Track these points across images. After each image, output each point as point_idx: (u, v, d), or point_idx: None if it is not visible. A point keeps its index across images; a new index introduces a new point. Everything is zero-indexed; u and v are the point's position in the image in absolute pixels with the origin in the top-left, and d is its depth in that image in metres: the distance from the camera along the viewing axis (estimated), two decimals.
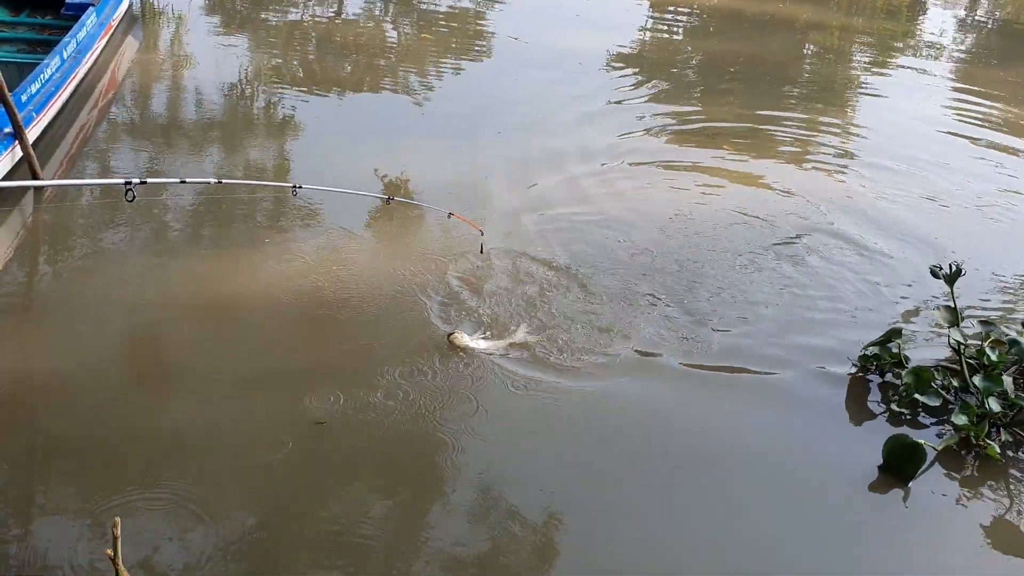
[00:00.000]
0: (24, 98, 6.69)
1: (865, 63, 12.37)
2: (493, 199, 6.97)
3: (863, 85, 11.04)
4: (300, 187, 5.57)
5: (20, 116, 6.40)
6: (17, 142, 6.42)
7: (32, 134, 6.64)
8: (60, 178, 6.79)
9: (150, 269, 5.74)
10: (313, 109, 8.34)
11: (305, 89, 8.75)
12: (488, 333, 5.22)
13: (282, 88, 8.70)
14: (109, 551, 2.47)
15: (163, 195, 6.45)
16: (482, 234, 5.95)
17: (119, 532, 2.43)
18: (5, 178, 6.38)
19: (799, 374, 5.34)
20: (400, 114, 8.54)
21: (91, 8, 8.25)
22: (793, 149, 8.65)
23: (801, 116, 9.55)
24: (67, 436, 4.40)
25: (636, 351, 5.32)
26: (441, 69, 9.76)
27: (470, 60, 10.20)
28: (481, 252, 5.96)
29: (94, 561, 3.68)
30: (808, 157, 8.50)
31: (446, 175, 7.26)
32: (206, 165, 7.10)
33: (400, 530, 4.06)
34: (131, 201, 4.46)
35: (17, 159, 6.48)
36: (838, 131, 9.25)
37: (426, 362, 5.02)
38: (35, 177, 6.54)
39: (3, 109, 6.32)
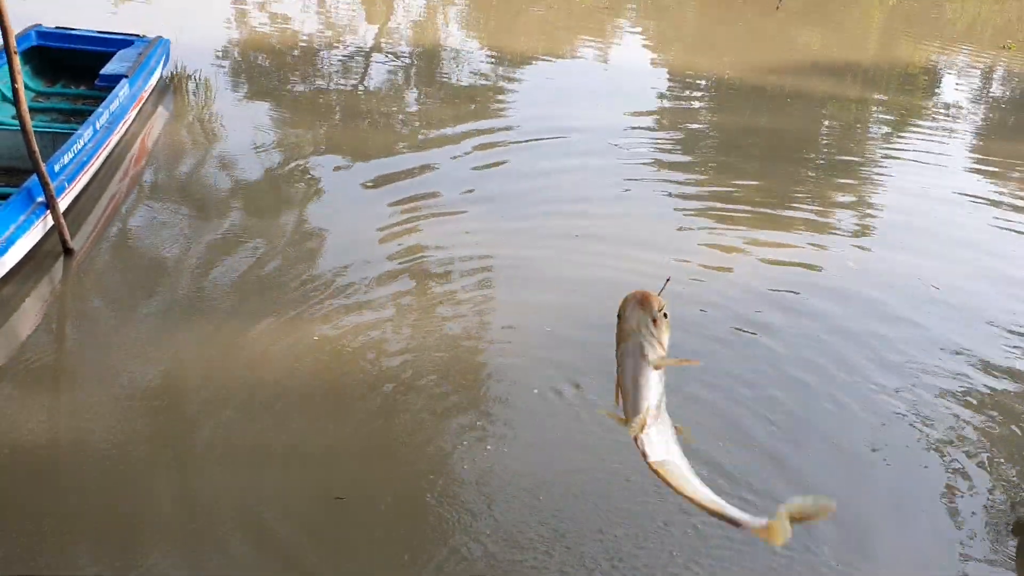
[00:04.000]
0: (57, 168, 6.86)
1: (882, 136, 12.50)
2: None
3: (880, 159, 11.14)
4: None
5: (52, 186, 6.57)
6: (49, 211, 6.58)
7: (63, 203, 6.79)
8: (90, 247, 6.92)
9: (179, 340, 5.83)
10: (339, 176, 8.50)
11: (330, 155, 8.92)
12: None
13: (309, 156, 8.87)
14: None
15: (206, 268, 6.61)
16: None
17: None
18: (36, 247, 6.52)
19: None
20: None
21: (124, 80, 8.48)
22: (809, 224, 8.72)
23: (818, 191, 9.65)
24: (84, 506, 4.44)
25: None
26: (452, 143, 9.89)
27: (489, 138, 10.29)
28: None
29: None
30: (824, 234, 8.57)
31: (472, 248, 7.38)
32: (229, 230, 7.23)
33: None
34: None
35: (48, 228, 6.62)
36: (855, 207, 9.32)
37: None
38: (65, 246, 6.68)
39: (37, 179, 6.49)
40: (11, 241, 6.12)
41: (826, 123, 12.75)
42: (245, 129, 9.37)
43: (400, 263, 7.00)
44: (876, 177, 10.44)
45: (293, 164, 8.69)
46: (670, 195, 8.99)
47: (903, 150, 11.48)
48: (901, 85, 15.66)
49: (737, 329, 6.55)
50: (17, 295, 6.13)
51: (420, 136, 9.87)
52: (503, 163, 9.27)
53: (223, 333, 5.92)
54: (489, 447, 5.11)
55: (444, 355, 5.90)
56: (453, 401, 5.48)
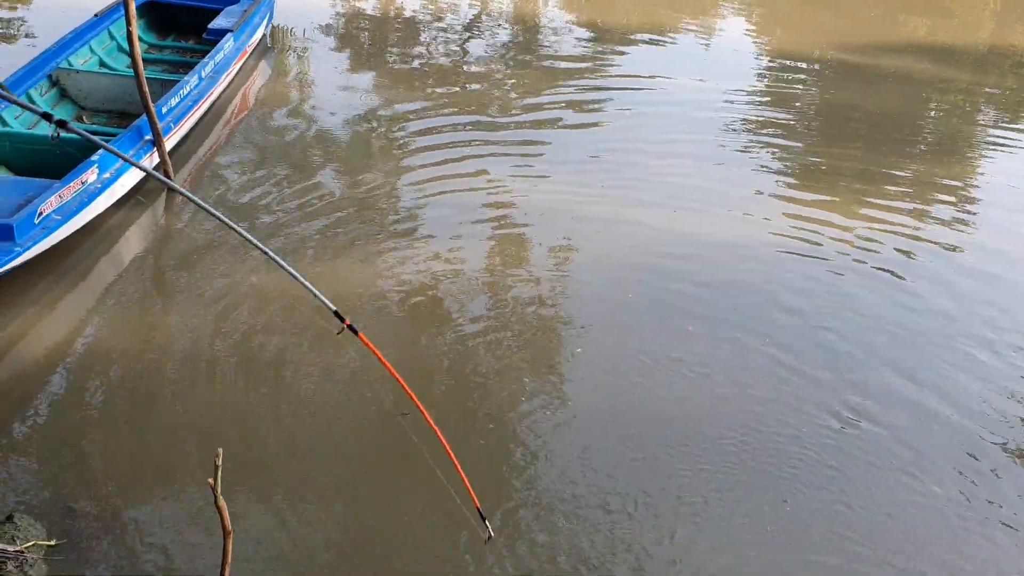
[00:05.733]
0: (164, 110, 7.22)
1: (993, 123, 12.05)
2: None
3: (990, 146, 10.75)
4: None
5: (160, 125, 6.92)
6: (156, 149, 6.93)
7: (169, 143, 7.15)
8: (190, 183, 7.27)
9: (266, 266, 6.10)
10: (429, 135, 8.67)
11: (423, 116, 9.10)
12: None
13: (400, 116, 9.08)
14: (211, 479, 2.67)
15: (292, 207, 6.88)
16: None
17: (220, 462, 2.63)
18: (143, 180, 6.88)
19: None
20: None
21: (229, 33, 8.83)
22: (910, 201, 8.54)
23: (922, 171, 9.41)
24: (178, 411, 4.73)
25: None
26: (562, 114, 9.96)
27: (586, 104, 10.35)
28: None
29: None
30: (925, 210, 8.38)
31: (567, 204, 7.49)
32: (317, 177, 7.48)
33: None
34: None
35: (155, 164, 6.98)
36: (958, 189, 9.07)
37: None
38: None
39: (146, 119, 6.85)
40: (120, 172, 6.48)
41: (933, 106, 12.36)
42: (340, 88, 9.64)
43: (486, 215, 7.17)
44: (985, 162, 10.10)
45: (384, 122, 8.91)
46: (769, 164, 8.91)
47: (1015, 138, 11.06)
48: (1016, 73, 15.06)
49: (861, 283, 6.83)
50: (125, 222, 6.54)
51: (514, 102, 9.97)
52: (599, 124, 9.37)
53: (303, 263, 6.18)
54: (549, 400, 5.24)
55: (518, 300, 6.06)
56: (520, 349, 5.64)
